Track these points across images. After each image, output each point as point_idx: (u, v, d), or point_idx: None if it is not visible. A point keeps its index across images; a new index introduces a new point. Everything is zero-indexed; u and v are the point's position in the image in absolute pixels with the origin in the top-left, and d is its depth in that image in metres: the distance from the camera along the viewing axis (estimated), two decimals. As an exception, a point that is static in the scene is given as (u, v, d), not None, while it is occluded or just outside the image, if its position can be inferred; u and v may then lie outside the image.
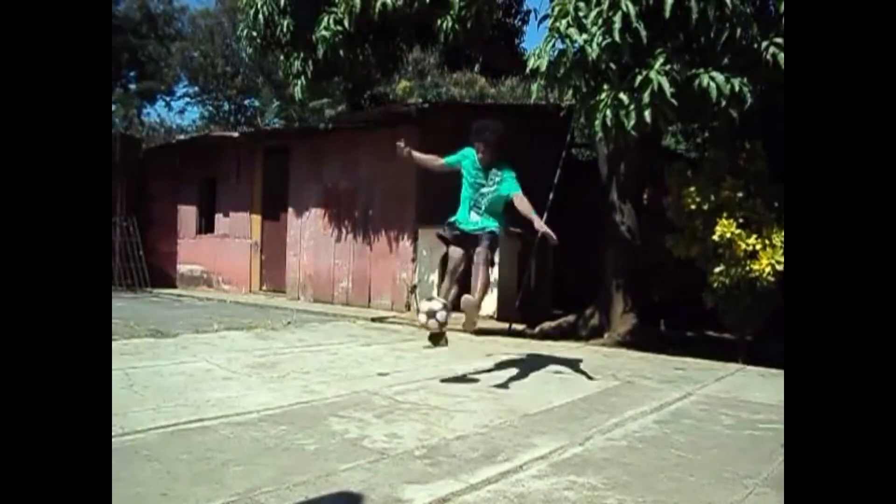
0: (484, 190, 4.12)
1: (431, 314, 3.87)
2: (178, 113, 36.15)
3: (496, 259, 4.33)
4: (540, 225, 3.91)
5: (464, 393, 3.80)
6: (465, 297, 3.93)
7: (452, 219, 4.24)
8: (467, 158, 4.19)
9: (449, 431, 2.96)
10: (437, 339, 4.25)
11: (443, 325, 3.92)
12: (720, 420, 3.38)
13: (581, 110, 5.16)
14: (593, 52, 4.74)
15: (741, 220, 5.57)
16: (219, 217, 11.09)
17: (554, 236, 3.87)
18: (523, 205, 4.02)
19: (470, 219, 4.16)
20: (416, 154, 4.32)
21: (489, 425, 3.10)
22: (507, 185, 4.08)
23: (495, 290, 7.49)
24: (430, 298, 4.09)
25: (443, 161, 4.29)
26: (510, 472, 2.44)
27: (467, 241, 4.09)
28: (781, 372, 4.57)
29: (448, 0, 6.47)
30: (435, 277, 8.01)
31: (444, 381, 4.13)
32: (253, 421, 3.02)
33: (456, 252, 4.11)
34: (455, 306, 4.01)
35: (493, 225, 4.12)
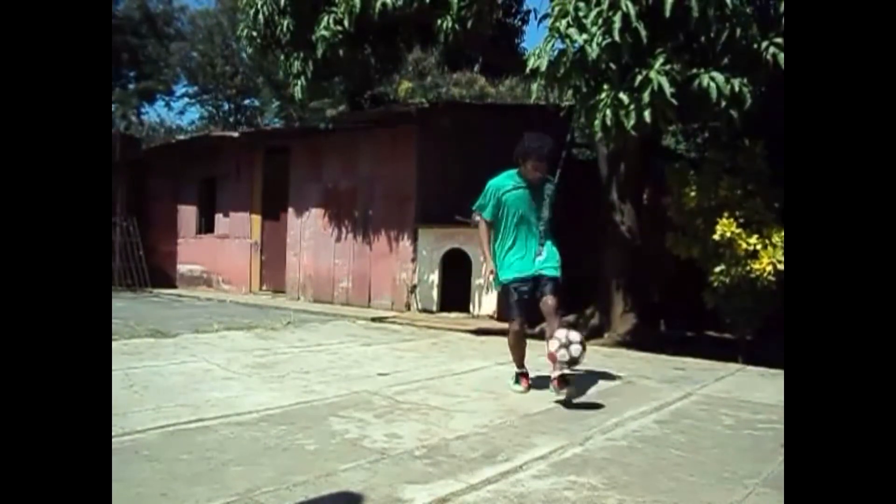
0: (543, 213, 3.84)
1: (566, 345, 3.50)
2: (178, 113, 36.21)
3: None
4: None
5: (464, 393, 3.80)
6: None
7: (513, 275, 3.81)
8: (505, 187, 3.84)
9: (449, 431, 2.96)
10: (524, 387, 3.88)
11: (576, 361, 3.53)
12: (720, 420, 3.38)
13: (581, 110, 5.16)
14: (593, 52, 4.73)
15: (741, 220, 5.57)
16: (219, 217, 11.10)
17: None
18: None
19: (535, 259, 3.83)
20: (485, 251, 3.95)
21: (489, 425, 3.10)
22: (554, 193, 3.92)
23: (495, 291, 7.49)
24: (569, 327, 3.82)
25: (486, 217, 3.90)
26: (510, 472, 2.44)
27: (533, 286, 3.79)
28: (781, 372, 4.57)
29: (448, 0, 6.47)
30: (435, 277, 8.03)
31: (443, 380, 4.13)
32: (253, 421, 3.02)
33: (519, 322, 3.82)
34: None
35: (555, 262, 3.83)
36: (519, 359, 3.97)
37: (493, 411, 3.38)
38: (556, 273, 3.80)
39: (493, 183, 3.90)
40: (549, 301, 3.70)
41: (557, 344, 3.49)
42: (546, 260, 3.82)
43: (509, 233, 3.88)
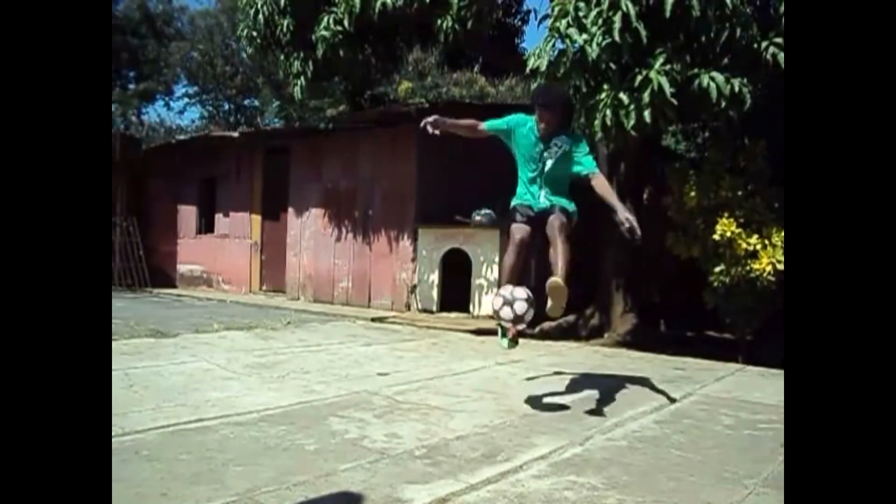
0: (549, 163, 3.48)
1: (510, 302, 3.20)
2: (177, 113, 36.15)
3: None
4: (624, 215, 3.33)
5: (464, 393, 3.80)
6: (552, 279, 3.22)
7: (518, 201, 3.56)
8: (522, 126, 3.56)
9: (449, 431, 2.96)
10: (510, 339, 3.49)
11: (521, 319, 3.24)
12: (720, 420, 3.38)
13: (581, 110, 5.16)
14: (593, 52, 4.74)
15: (741, 220, 5.57)
16: (219, 217, 11.10)
17: (639, 231, 3.29)
18: (604, 187, 3.50)
19: (539, 200, 3.53)
20: (448, 121, 3.69)
21: (489, 425, 3.10)
22: (583, 161, 3.51)
23: (495, 290, 7.50)
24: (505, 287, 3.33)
25: (484, 126, 3.63)
26: (510, 472, 2.44)
27: (538, 222, 3.46)
28: (781, 372, 4.57)
29: (448, 0, 6.47)
30: (435, 277, 8.03)
31: (443, 380, 4.13)
32: (253, 421, 3.02)
33: (521, 230, 3.44)
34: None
35: (566, 202, 3.54)
36: (512, 276, 3.44)
37: (493, 411, 3.38)
38: (568, 206, 3.50)
39: (516, 115, 3.64)
40: (555, 221, 3.34)
41: (501, 301, 3.23)
42: (553, 201, 3.51)
43: (519, 171, 3.61)
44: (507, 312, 3.24)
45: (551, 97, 3.53)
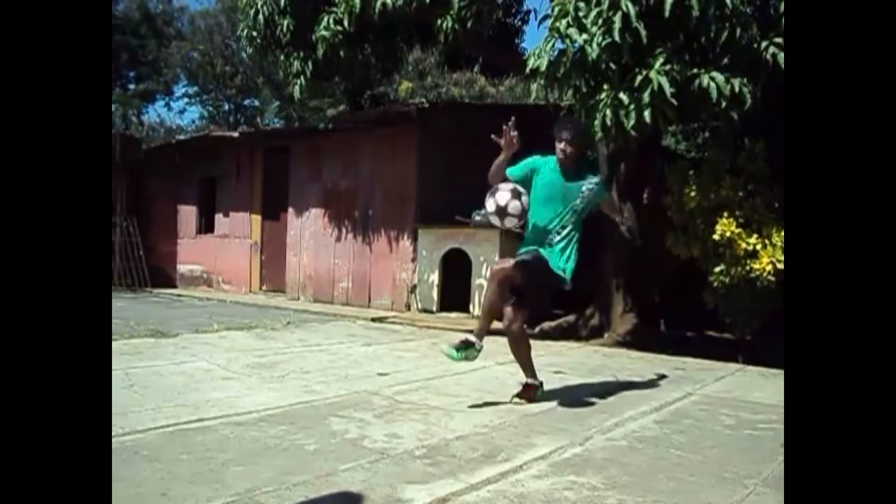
0: (571, 209, 3.55)
1: (493, 192, 3.29)
2: (178, 113, 36.17)
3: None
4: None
5: (464, 393, 3.80)
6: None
7: (526, 248, 3.60)
8: (544, 169, 3.61)
9: (449, 431, 2.96)
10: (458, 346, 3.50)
11: (504, 211, 3.29)
12: (720, 420, 3.38)
13: (581, 110, 5.16)
14: (593, 52, 4.73)
15: (741, 220, 5.57)
16: (219, 217, 11.10)
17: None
18: (608, 207, 4.10)
19: (550, 247, 3.57)
20: (503, 161, 3.58)
21: (489, 425, 3.10)
22: (599, 191, 3.69)
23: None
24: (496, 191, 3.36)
25: (506, 173, 3.61)
26: (510, 472, 2.44)
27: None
28: (781, 372, 4.57)
29: (448, 0, 6.47)
30: (435, 277, 8.02)
31: (443, 380, 4.13)
32: (253, 421, 3.02)
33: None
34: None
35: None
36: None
37: (493, 411, 3.38)
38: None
39: (533, 157, 3.69)
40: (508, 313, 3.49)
41: (507, 198, 3.29)
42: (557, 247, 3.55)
43: (538, 212, 3.60)
44: (490, 204, 3.33)
45: (577, 133, 3.63)
